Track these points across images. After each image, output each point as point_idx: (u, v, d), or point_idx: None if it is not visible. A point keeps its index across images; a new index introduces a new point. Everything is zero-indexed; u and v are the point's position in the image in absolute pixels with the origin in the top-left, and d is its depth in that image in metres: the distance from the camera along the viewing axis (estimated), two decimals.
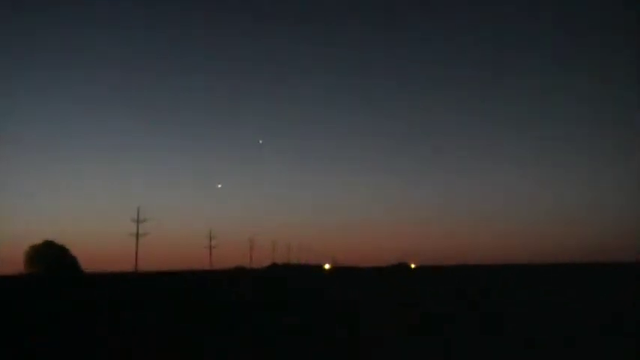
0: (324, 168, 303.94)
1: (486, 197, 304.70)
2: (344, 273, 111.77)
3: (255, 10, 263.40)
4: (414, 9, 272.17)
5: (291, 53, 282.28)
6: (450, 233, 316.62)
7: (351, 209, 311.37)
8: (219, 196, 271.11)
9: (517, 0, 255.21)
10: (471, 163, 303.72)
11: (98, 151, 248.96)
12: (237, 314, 21.01)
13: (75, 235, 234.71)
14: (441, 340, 13.98)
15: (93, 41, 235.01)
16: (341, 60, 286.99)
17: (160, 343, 13.93)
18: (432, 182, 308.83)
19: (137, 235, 78.29)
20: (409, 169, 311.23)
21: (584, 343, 13.26)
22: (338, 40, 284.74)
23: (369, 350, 12.67)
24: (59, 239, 72.81)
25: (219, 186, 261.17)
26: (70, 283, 53.46)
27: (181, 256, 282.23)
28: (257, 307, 24.35)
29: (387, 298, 30.76)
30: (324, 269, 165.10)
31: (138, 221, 78.53)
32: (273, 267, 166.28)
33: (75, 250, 73.94)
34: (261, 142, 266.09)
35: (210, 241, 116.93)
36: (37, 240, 71.07)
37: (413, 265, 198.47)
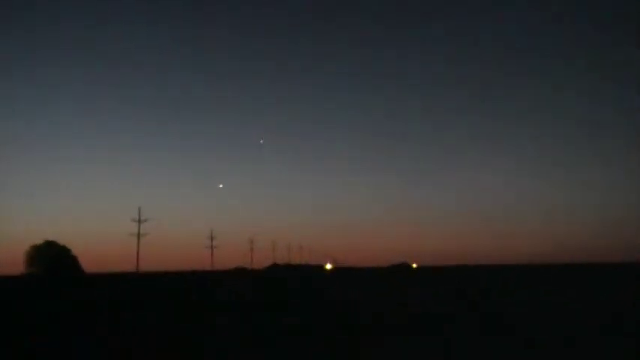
0: (325, 168, 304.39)
1: (488, 197, 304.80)
2: (345, 273, 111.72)
3: (255, 10, 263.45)
4: (415, 9, 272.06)
5: (292, 53, 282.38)
6: (452, 233, 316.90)
7: (352, 209, 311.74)
8: (219, 197, 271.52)
9: (517, 0, 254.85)
10: (472, 163, 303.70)
11: (98, 151, 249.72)
12: (238, 314, 21.00)
13: (76, 235, 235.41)
14: (441, 340, 13.95)
15: (93, 42, 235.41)
16: (341, 60, 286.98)
17: (159, 343, 13.91)
18: (433, 182, 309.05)
19: (138, 235, 78.26)
20: (410, 169, 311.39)
21: (584, 343, 13.23)
22: (338, 40, 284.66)
23: (369, 351, 12.64)
24: (60, 239, 72.95)
25: (221, 186, 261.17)
26: (70, 284, 53.47)
27: (182, 256, 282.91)
28: (257, 307, 24.32)
29: (387, 298, 30.72)
30: (325, 269, 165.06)
31: (139, 221, 78.50)
32: (274, 267, 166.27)
33: (76, 251, 74.10)
34: (262, 142, 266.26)
35: (212, 241, 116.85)
36: (38, 240, 71.20)
37: (414, 265, 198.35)
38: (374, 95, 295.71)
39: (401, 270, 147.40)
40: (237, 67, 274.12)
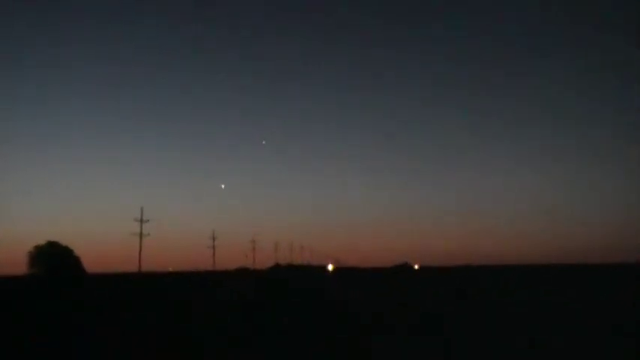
0: (327, 168, 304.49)
1: (490, 197, 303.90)
2: (346, 274, 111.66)
3: (255, 11, 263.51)
4: (415, 9, 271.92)
5: (292, 54, 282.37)
6: (455, 234, 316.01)
7: (354, 210, 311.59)
8: (221, 197, 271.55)
9: (517, 0, 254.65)
10: (473, 163, 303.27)
11: (100, 151, 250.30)
12: (238, 314, 20.99)
13: (78, 236, 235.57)
14: (441, 341, 13.93)
15: (94, 42, 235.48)
16: (340, 60, 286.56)
17: (159, 342, 13.91)
18: (436, 182, 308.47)
19: (140, 235, 78.25)
20: (412, 169, 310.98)
21: (584, 343, 13.20)
22: (338, 40, 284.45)
23: (369, 352, 12.64)
24: (62, 240, 72.99)
25: (223, 187, 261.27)
26: (72, 284, 53.51)
27: (184, 256, 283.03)
28: (258, 307, 24.31)
29: (388, 298, 30.69)
30: (327, 270, 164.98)
31: (141, 221, 78.50)
32: (276, 268, 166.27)
33: (78, 251, 74.13)
34: (264, 142, 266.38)
35: (214, 241, 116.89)
36: (40, 241, 71.27)
37: (416, 266, 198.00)
38: (375, 95, 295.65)
39: (402, 271, 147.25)
40: (237, 67, 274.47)
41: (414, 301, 28.10)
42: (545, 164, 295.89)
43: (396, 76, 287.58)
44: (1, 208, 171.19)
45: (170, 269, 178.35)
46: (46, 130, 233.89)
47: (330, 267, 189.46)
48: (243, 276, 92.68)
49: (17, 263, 73.96)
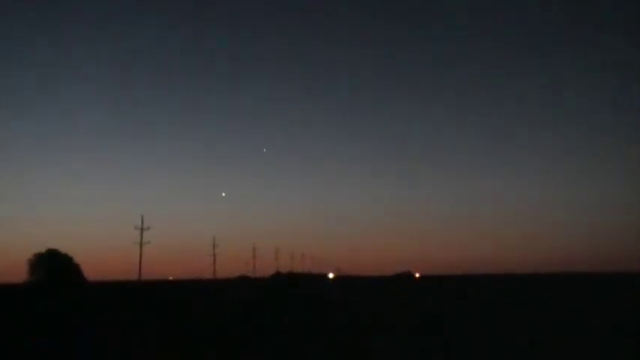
0: (329, 176, 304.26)
1: (491, 198, 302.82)
2: (347, 283, 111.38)
3: (255, 12, 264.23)
4: (415, 9, 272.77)
5: (293, 56, 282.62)
6: (456, 242, 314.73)
7: (355, 217, 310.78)
8: (222, 204, 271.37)
9: (517, 0, 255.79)
10: (474, 164, 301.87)
11: (100, 158, 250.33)
12: (238, 314, 21.02)
13: (78, 244, 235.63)
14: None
15: (96, 44, 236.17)
16: (343, 61, 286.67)
17: (159, 342, 13.98)
18: (436, 184, 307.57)
19: (141, 243, 78.31)
20: (414, 171, 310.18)
21: (584, 343, 13.25)
22: (338, 40, 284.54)
23: (369, 352, 12.70)
24: (62, 247, 73.20)
25: (224, 194, 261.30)
26: (70, 292, 53.50)
27: (184, 265, 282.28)
28: (258, 308, 24.33)
29: (388, 300, 30.68)
30: (328, 278, 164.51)
31: (142, 229, 78.58)
32: (277, 276, 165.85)
33: (78, 259, 74.26)
34: (265, 150, 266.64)
35: (214, 249, 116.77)
36: (39, 248, 71.46)
37: (417, 275, 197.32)
38: (382, 104, 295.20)
39: (403, 279, 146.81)
40: (238, 72, 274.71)
41: (414, 302, 28.11)
42: (545, 164, 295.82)
43: (396, 76, 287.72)
44: (0, 215, 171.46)
45: (170, 278, 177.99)
46: (47, 137, 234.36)
47: (331, 275, 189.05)
48: (244, 285, 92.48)
49: (16, 271, 74.12)
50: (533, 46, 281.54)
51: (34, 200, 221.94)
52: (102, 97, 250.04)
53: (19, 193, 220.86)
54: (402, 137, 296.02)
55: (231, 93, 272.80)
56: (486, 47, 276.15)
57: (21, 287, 63.31)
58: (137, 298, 38.21)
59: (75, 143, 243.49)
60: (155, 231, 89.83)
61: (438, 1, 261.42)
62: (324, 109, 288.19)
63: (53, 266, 69.87)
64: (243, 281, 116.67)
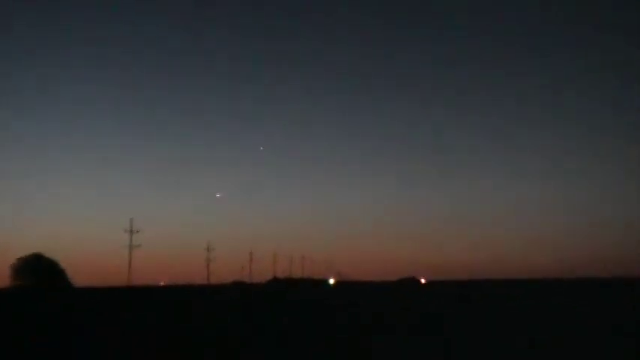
0: (329, 177, 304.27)
1: (491, 199, 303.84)
2: (348, 289, 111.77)
3: (255, 12, 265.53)
4: (415, 9, 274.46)
5: (292, 57, 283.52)
6: (458, 244, 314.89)
7: (357, 221, 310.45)
8: (216, 206, 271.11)
9: (517, 0, 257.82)
10: (474, 164, 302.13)
11: (89, 159, 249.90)
12: (238, 314, 21.64)
13: (65, 248, 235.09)
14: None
15: (96, 44, 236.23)
16: (343, 61, 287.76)
17: (159, 342, 14.58)
18: (436, 185, 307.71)
19: (130, 247, 78.93)
20: (416, 178, 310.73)
21: (584, 343, 13.89)
22: (338, 40, 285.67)
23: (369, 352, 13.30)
24: (49, 251, 73.59)
25: (218, 195, 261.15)
26: (54, 297, 54.00)
27: (177, 269, 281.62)
28: (258, 309, 24.96)
29: (388, 301, 31.29)
30: (329, 284, 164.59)
31: (131, 232, 79.21)
32: (274, 281, 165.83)
33: (65, 263, 74.63)
34: (262, 149, 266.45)
35: (208, 253, 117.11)
36: (24, 252, 71.86)
37: (423, 280, 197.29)
38: (385, 106, 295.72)
39: (407, 285, 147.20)
40: (238, 72, 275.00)
41: (414, 303, 28.69)
42: (545, 164, 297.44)
43: (396, 77, 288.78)
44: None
45: (162, 283, 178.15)
46: (34, 140, 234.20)
47: (332, 281, 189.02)
48: (238, 291, 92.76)
49: (1, 276, 74.51)
50: (533, 46, 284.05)
51: (19, 203, 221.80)
52: (92, 98, 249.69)
53: (4, 197, 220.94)
54: (402, 137, 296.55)
55: (226, 93, 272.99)
56: (486, 47, 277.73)
57: (5, 291, 63.73)
58: (137, 298, 38.78)
59: (63, 143, 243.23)
60: (146, 234, 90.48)
61: (438, 1, 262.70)
62: (324, 109, 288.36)
63: (38, 271, 70.31)
64: (237, 287, 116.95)
